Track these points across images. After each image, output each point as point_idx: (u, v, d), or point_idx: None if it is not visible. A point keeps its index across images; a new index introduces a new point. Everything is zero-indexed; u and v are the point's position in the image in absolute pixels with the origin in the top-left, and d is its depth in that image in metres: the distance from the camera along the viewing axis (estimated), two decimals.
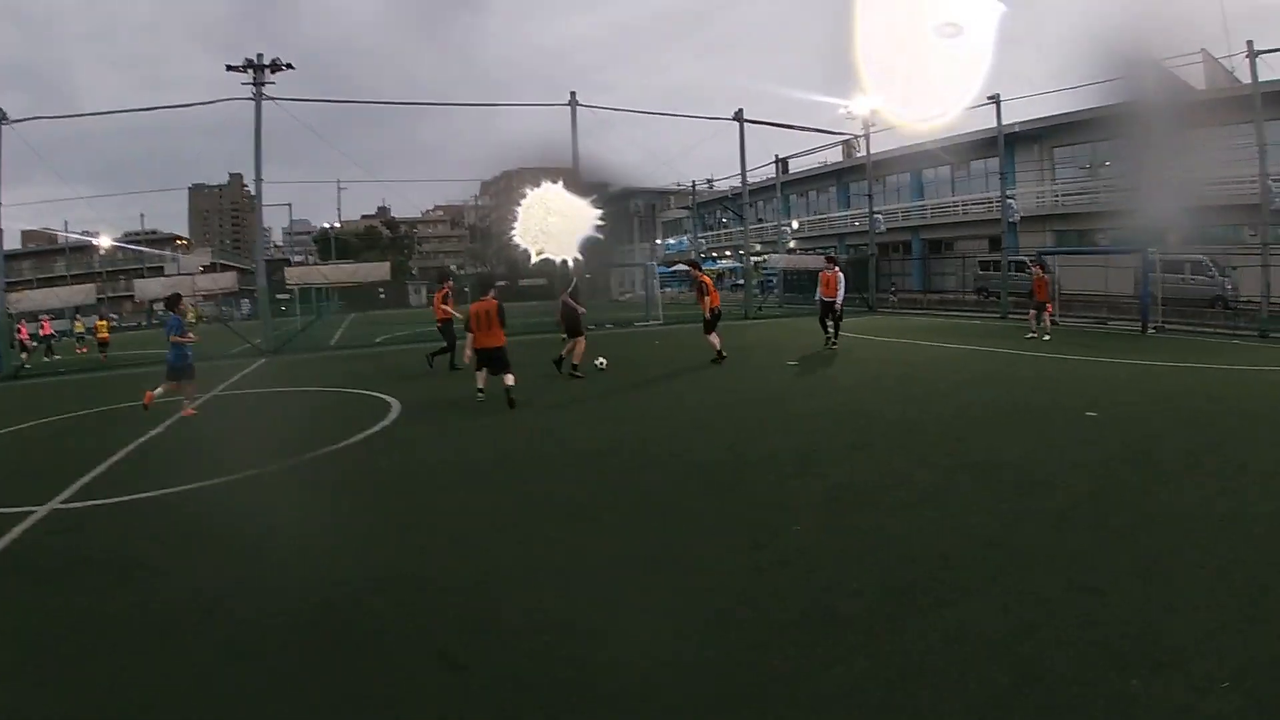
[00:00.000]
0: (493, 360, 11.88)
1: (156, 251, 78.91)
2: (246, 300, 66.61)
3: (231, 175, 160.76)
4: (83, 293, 30.44)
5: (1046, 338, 20.14)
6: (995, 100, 29.63)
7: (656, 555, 5.53)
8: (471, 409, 12.00)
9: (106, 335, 31.34)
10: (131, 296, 46.44)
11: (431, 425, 11.25)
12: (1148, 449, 8.07)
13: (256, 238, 32.73)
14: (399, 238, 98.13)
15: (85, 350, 34.43)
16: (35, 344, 31.67)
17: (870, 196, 37.14)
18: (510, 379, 11.81)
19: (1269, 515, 5.84)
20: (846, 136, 36.89)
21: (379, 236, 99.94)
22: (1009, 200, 31.45)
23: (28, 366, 25.64)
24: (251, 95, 25.67)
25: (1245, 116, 24.67)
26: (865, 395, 12.30)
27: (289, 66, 26.35)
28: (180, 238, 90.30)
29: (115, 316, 54.98)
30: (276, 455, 9.26)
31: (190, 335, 13.09)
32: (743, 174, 34.44)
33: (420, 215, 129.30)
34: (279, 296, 62.87)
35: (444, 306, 17.27)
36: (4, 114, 23.95)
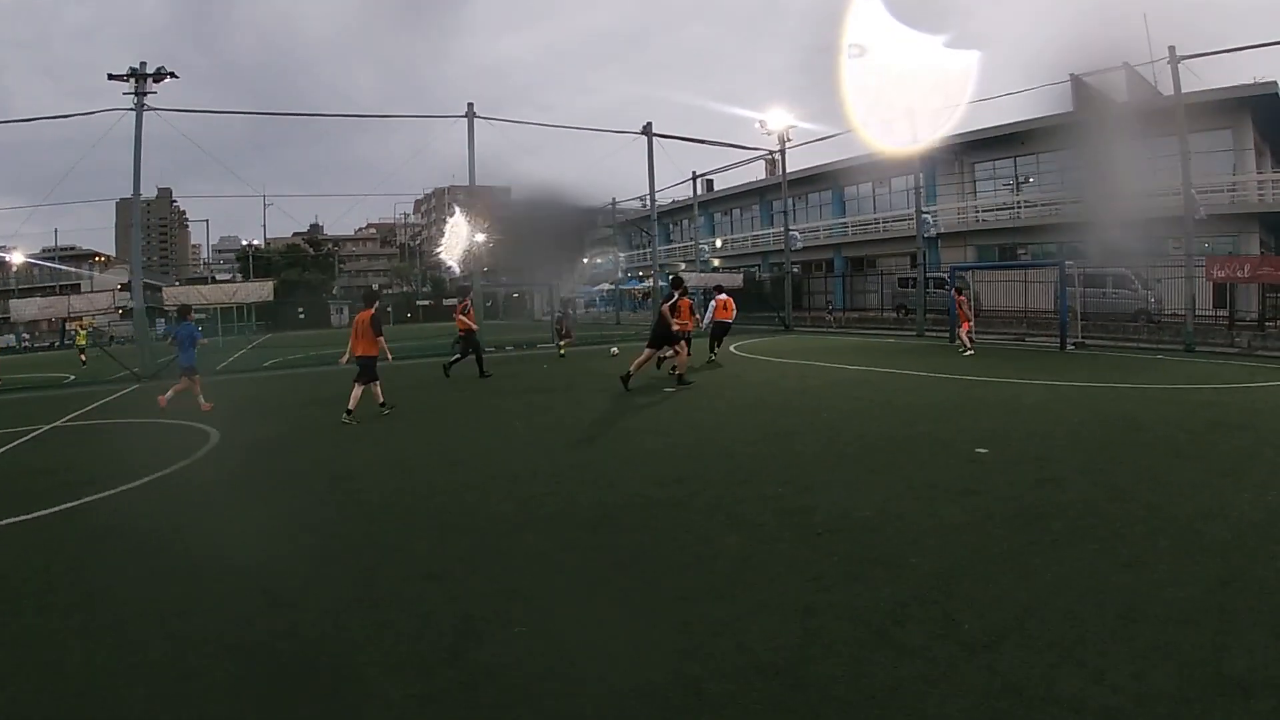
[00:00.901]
0: (360, 368, 12.15)
1: (72, 269, 75.85)
2: (161, 320, 64.21)
3: (160, 190, 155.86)
4: (101, 301, 29.05)
5: (969, 352, 19.63)
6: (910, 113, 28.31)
7: None
8: (288, 447, 10.50)
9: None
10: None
11: (225, 471, 9.04)
12: (1038, 501, 6.32)
13: (134, 256, 29.72)
14: (321, 256, 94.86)
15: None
16: None
17: (786, 213, 35.74)
18: (358, 391, 11.95)
19: (1192, 604, 4.08)
20: (761, 151, 35.09)
21: (302, 254, 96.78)
22: (925, 216, 30.11)
23: None
24: (132, 105, 24.09)
25: (1168, 128, 23.66)
26: (726, 427, 10.42)
27: (173, 75, 25.12)
28: (98, 254, 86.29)
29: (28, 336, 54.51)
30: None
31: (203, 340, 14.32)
32: (650, 189, 32.88)
33: (353, 233, 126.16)
34: (196, 316, 60.40)
35: (463, 318, 17.90)
36: None
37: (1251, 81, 25.56)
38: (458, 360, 18.22)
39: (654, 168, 31.90)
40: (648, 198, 45.05)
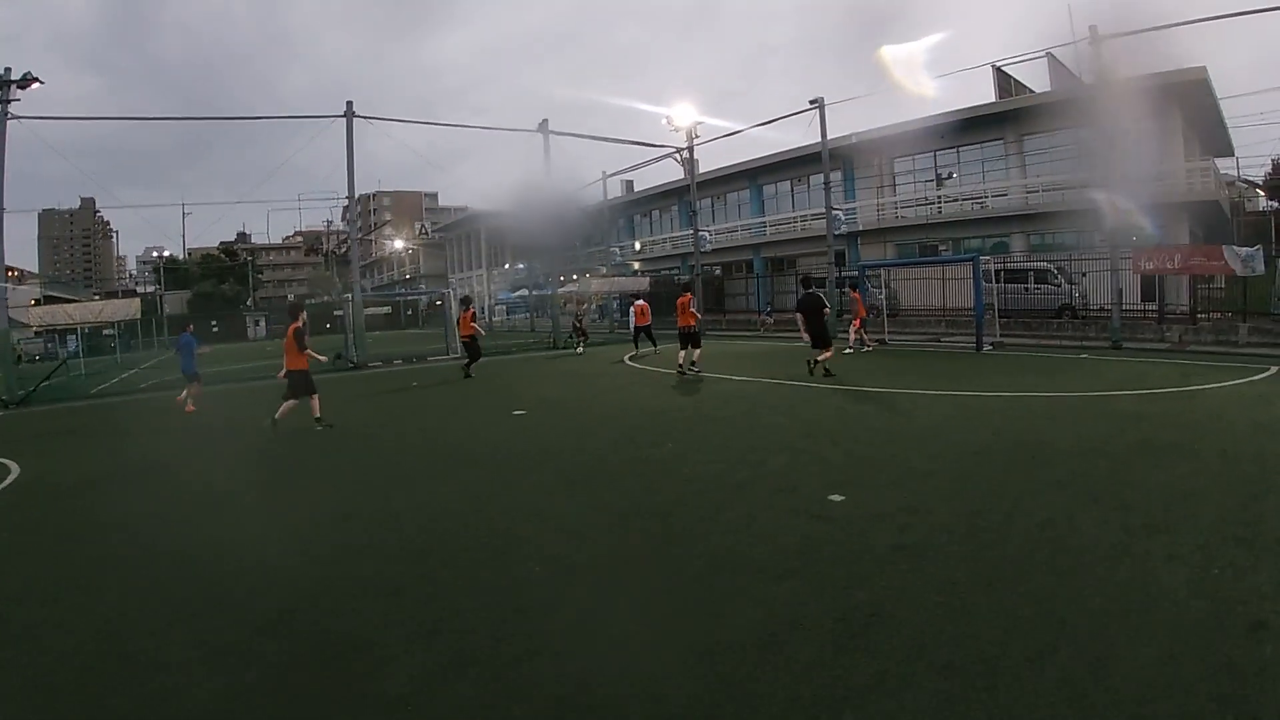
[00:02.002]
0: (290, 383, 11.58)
1: None
2: (71, 336, 60.78)
3: (83, 200, 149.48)
4: None
5: (850, 350, 18.82)
6: (818, 105, 26.52)
7: None
8: (94, 493, 8.34)
9: None
10: None
11: None
12: (880, 595, 4.27)
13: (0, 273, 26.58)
14: (238, 265, 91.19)
15: None
16: None
17: (694, 213, 33.74)
18: (289, 406, 11.47)
19: None
20: (668, 149, 33.00)
21: (220, 265, 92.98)
22: (837, 212, 28.30)
23: None
24: None
25: (1091, 120, 22.11)
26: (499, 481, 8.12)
27: (38, 81, 22.45)
28: (12, 268, 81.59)
29: None
30: None
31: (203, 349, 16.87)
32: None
33: (281, 241, 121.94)
34: (105, 333, 58.00)
35: (472, 324, 19.05)
36: None
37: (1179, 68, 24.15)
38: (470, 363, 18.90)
39: (549, 166, 29.56)
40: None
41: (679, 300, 17.27)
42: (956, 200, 31.39)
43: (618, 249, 52.35)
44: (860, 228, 34.71)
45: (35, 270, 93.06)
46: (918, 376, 13.60)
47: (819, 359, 14.43)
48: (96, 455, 10.99)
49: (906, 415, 9.89)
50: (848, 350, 19.08)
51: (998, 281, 22.09)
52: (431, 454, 9.42)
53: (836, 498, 6.15)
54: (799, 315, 15.06)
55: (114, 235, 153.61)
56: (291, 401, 11.54)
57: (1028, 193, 28.59)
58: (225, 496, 7.67)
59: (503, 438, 10.03)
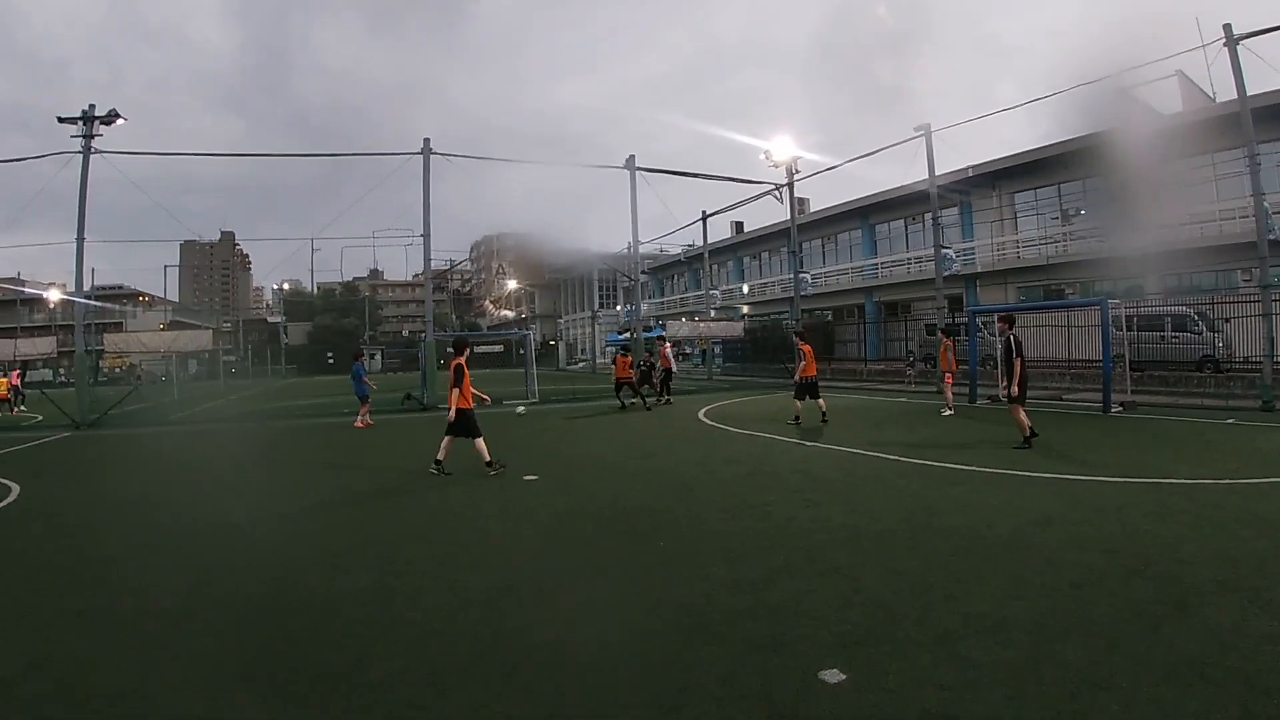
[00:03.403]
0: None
1: (114, 306, 76.06)
2: (193, 360, 64.99)
3: (223, 233, 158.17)
4: (43, 345, 27.98)
5: (948, 412, 16.37)
6: (923, 132, 24.10)
7: None
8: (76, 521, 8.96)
9: (5, 392, 30.75)
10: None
11: None
12: None
13: (77, 300, 26.94)
14: (355, 301, 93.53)
15: None
16: None
17: (794, 253, 31.44)
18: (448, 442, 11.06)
19: None
20: (768, 186, 30.97)
21: (340, 299, 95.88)
22: (947, 251, 25.63)
23: None
24: (81, 149, 22.85)
25: (1229, 141, 19.16)
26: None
27: (121, 117, 23.51)
28: (143, 294, 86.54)
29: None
30: None
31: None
32: (633, 226, 28.90)
33: (411, 279, 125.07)
34: (227, 359, 61.67)
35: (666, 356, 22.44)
36: None
37: None
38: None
39: (635, 203, 28.03)
40: (700, 241, 41.71)
41: (804, 348, 16.30)
42: (1084, 238, 28.21)
43: (718, 292, 50.36)
44: (978, 269, 31.76)
45: (175, 298, 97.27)
46: (1017, 452, 11.06)
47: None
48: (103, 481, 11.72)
49: (991, 513, 7.50)
50: (947, 412, 16.56)
51: (1129, 329, 19.17)
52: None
53: (832, 676, 4.00)
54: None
55: (250, 267, 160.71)
56: (448, 439, 11.01)
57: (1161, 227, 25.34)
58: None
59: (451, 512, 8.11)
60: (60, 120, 22.64)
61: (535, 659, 4.45)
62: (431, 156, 24.72)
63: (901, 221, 39.06)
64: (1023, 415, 11.34)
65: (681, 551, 6.65)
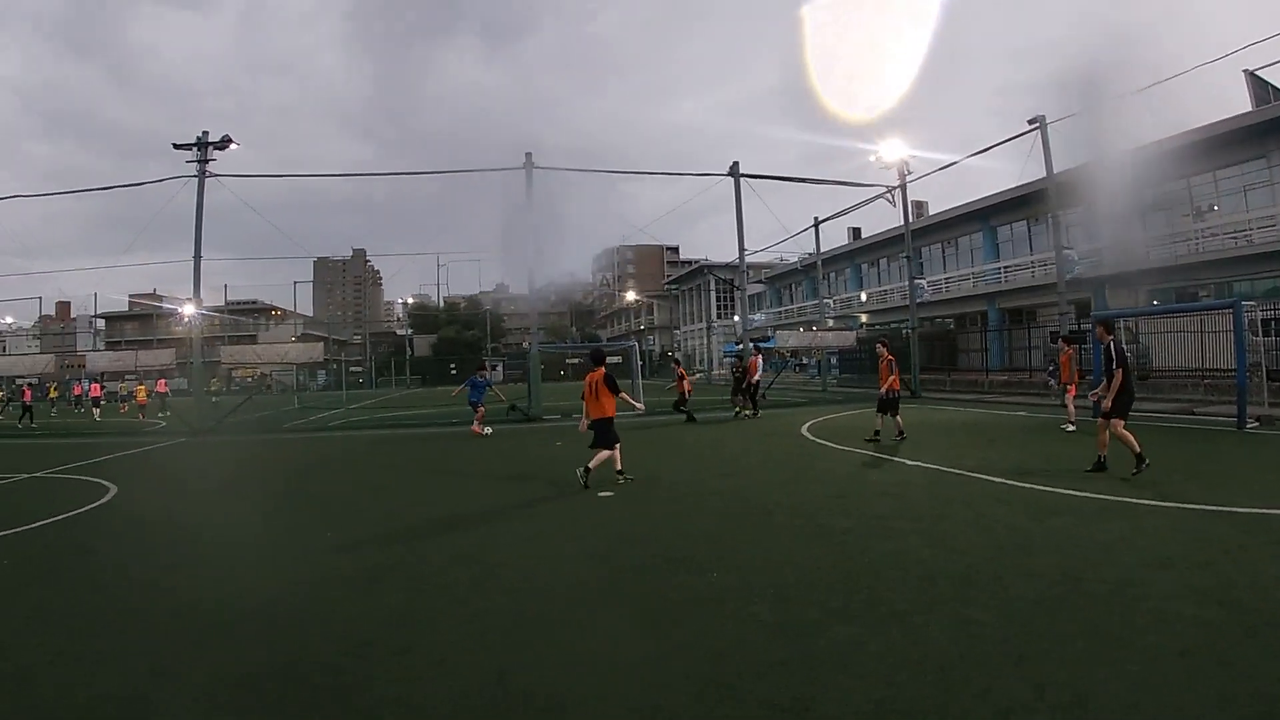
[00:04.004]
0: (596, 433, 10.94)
1: (244, 318, 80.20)
2: (323, 371, 68.61)
3: (355, 250, 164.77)
4: (163, 356, 29.83)
5: (1070, 428, 14.95)
6: (1038, 125, 22.64)
7: None
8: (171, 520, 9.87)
9: (144, 399, 33.93)
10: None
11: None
12: None
13: (197, 314, 28.38)
14: (477, 314, 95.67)
15: (125, 409, 37.12)
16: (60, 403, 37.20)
17: (909, 258, 30.12)
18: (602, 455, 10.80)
19: None
20: (879, 189, 29.74)
21: (462, 313, 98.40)
22: (1069, 252, 23.97)
23: (33, 426, 27.94)
24: (196, 173, 24.34)
25: None
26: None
27: (233, 143, 24.89)
28: (276, 308, 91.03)
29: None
30: None
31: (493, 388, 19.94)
32: (739, 233, 28.01)
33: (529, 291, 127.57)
34: (353, 370, 64.62)
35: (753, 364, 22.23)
36: None
37: None
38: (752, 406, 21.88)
39: (741, 211, 27.27)
40: (811, 251, 40.76)
41: (885, 360, 15.18)
42: (1218, 235, 25.96)
43: (831, 301, 49.00)
44: (1106, 271, 29.72)
45: (310, 312, 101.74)
46: (1149, 471, 9.88)
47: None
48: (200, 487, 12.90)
49: (1096, 551, 6.50)
50: (1069, 428, 15.28)
51: (1267, 334, 17.37)
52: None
53: None
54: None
55: (381, 282, 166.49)
56: (605, 452, 11.00)
57: None
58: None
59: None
60: (176, 146, 23.65)
61: (521, 704, 3.93)
62: (534, 170, 24.68)
63: (1024, 223, 37.00)
64: (1125, 432, 9.87)
65: (732, 585, 6.01)
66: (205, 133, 24.15)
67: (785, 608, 5.38)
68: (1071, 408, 15.55)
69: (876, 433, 14.58)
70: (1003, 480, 10.03)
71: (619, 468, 11.10)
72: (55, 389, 38.58)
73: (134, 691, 4.34)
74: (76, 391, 37.85)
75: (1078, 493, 8.95)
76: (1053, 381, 22.55)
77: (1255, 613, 4.84)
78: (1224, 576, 5.62)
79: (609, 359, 17.37)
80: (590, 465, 10.79)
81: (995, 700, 3.82)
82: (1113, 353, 10.12)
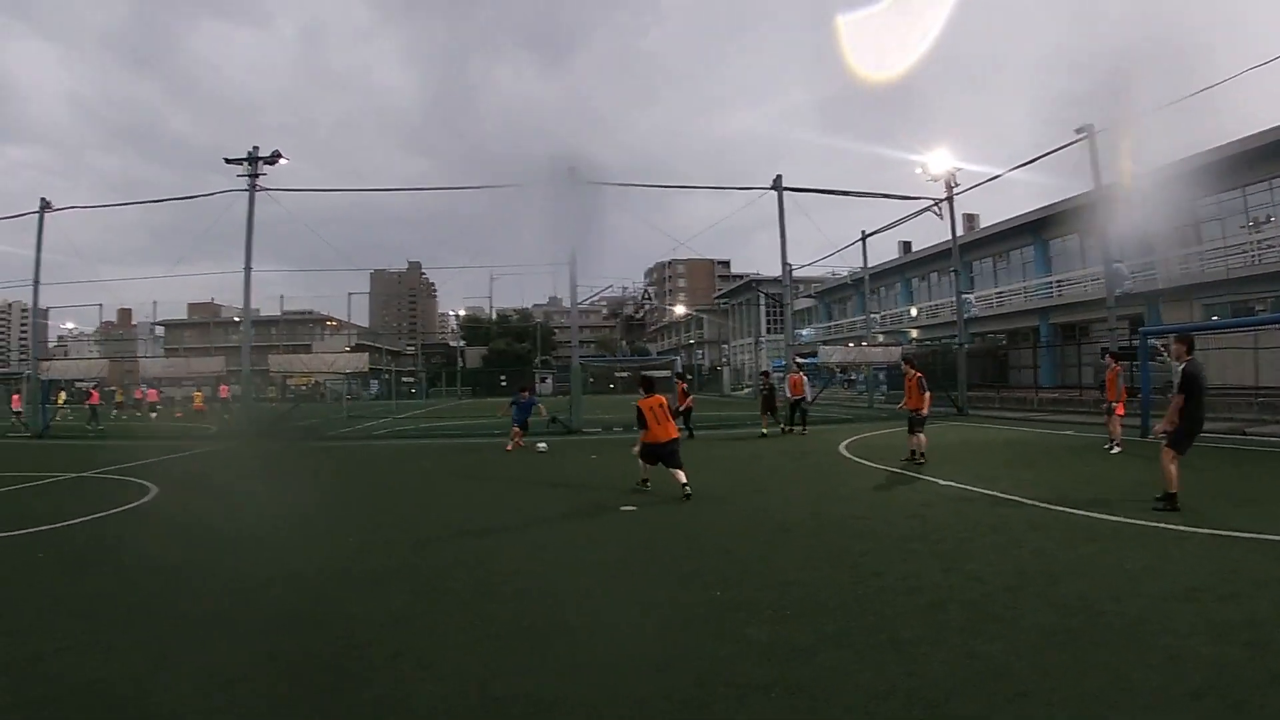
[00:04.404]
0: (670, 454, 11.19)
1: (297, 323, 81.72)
2: (375, 381, 69.94)
3: (410, 263, 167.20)
4: (214, 364, 31.70)
5: (1115, 449, 14.46)
6: (1085, 134, 22.06)
7: None
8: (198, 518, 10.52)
9: (201, 405, 36.07)
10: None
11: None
12: None
13: (245, 323, 28.87)
14: (529, 327, 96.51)
15: (180, 415, 38.68)
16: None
17: (956, 272, 29.63)
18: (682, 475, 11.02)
19: None
20: (926, 201, 29.24)
21: (513, 325, 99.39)
22: (1118, 266, 23.29)
23: (100, 428, 28.92)
24: (246, 187, 25.02)
25: None
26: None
27: (281, 157, 25.53)
28: (331, 319, 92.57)
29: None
30: None
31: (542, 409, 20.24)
32: (782, 246, 27.77)
33: (586, 305, 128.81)
34: (405, 380, 65.67)
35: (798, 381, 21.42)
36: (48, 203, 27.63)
37: None
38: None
39: (784, 223, 27.00)
40: (855, 266, 40.25)
41: (911, 379, 14.60)
42: (1276, 246, 25.04)
43: (878, 316, 48.31)
44: (1159, 285, 28.83)
45: (365, 323, 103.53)
46: (1190, 493, 9.42)
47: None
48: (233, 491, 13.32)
49: (1123, 581, 6.13)
50: (1114, 449, 14.75)
51: None
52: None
53: None
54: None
55: (435, 294, 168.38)
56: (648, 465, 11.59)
57: None
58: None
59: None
60: (227, 161, 24.08)
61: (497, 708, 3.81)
62: (580, 185, 24.78)
63: (1076, 236, 36.13)
64: (1171, 465, 8.74)
65: (733, 603, 5.84)
66: (255, 148, 24.67)
67: (780, 629, 5.18)
68: (1117, 428, 15.01)
69: (913, 453, 14.05)
70: (1035, 503, 9.66)
71: (645, 476, 11.68)
72: (120, 393, 39.80)
73: (131, 678, 4.55)
74: (137, 396, 39.41)
75: (1112, 517, 8.56)
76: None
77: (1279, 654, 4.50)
78: (1251, 612, 5.25)
79: (656, 373, 16.90)
80: (685, 482, 11.04)
81: None
82: (1185, 374, 8.77)
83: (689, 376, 23.09)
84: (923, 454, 13.86)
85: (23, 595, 6.48)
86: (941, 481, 11.83)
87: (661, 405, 11.46)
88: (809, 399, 22.03)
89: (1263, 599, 5.51)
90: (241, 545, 8.45)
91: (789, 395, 22.02)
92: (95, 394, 32.99)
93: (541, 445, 18.58)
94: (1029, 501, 9.78)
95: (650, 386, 11.86)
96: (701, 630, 5.23)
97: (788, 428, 21.63)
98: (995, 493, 10.57)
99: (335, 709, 4.11)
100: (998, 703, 3.98)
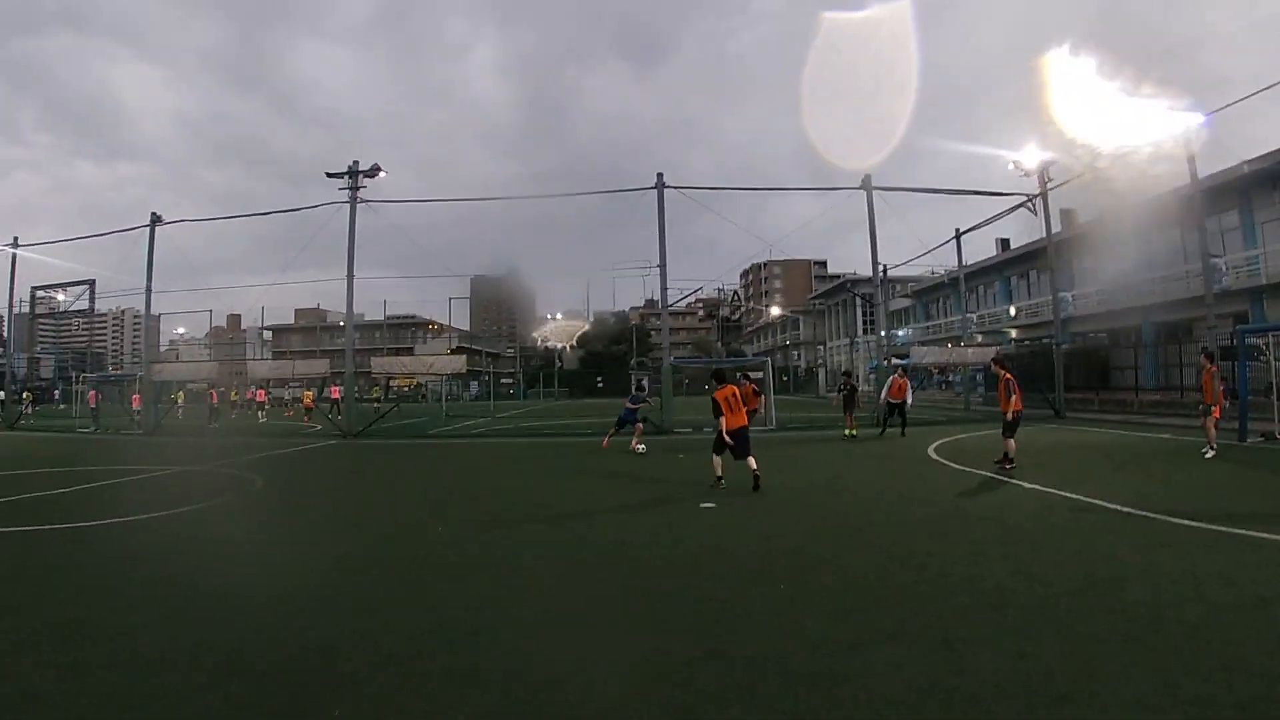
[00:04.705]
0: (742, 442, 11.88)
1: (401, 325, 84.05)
2: (475, 382, 71.64)
3: (509, 268, 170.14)
4: (318, 366, 33.56)
5: (1209, 453, 13.93)
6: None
7: None
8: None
9: (309, 403, 36.88)
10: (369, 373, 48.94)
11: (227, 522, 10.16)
12: None
13: (349, 327, 30.23)
14: (625, 329, 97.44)
15: (290, 414, 41.37)
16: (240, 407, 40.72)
17: (1052, 271, 28.80)
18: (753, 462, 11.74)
19: None
20: (1020, 198, 28.55)
21: (610, 328, 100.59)
22: (1217, 261, 22.40)
23: (214, 426, 31.59)
24: (347, 199, 26.28)
25: None
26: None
27: (380, 170, 26.72)
28: (433, 322, 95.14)
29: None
30: None
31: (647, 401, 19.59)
32: (873, 246, 27.42)
33: (685, 306, 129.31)
34: (503, 381, 67.27)
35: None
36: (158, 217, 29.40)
37: None
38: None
39: (874, 223, 26.75)
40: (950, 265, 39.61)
41: (1004, 380, 14.03)
42: None
43: (973, 316, 47.20)
44: (1264, 280, 27.52)
45: (466, 327, 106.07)
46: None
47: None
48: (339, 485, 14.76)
49: (1191, 586, 6.05)
50: (1209, 453, 14.30)
51: None
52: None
53: None
54: None
55: (534, 299, 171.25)
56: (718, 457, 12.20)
57: None
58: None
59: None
60: (329, 175, 25.21)
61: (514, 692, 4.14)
62: (665, 191, 25.07)
63: (1178, 231, 34.68)
64: None
65: (793, 598, 6.06)
66: (355, 162, 25.91)
67: (834, 625, 5.35)
68: (1212, 431, 14.54)
69: (1006, 456, 13.83)
70: (1116, 507, 9.52)
71: (719, 474, 12.12)
72: (235, 393, 42.02)
73: (190, 646, 5.09)
74: (249, 396, 41.84)
75: (1190, 522, 8.39)
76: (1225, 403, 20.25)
77: None
78: None
79: (752, 374, 17.42)
80: (755, 469, 11.80)
81: None
82: None
83: (753, 376, 22.62)
84: (1011, 458, 13.46)
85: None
86: (1026, 485, 11.72)
87: (735, 394, 12.03)
88: (909, 402, 21.43)
89: None
90: (333, 530, 9.41)
91: (889, 398, 21.57)
92: (214, 394, 35.60)
93: (641, 447, 18.64)
94: (1110, 505, 9.65)
95: (722, 378, 12.51)
96: (759, 623, 5.46)
97: (884, 430, 21.43)
98: (1077, 496, 10.44)
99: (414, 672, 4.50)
100: (1037, 704, 4.07)
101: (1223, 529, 8.05)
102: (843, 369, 33.57)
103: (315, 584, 6.73)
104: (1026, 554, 7.32)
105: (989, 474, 12.98)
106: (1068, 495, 10.57)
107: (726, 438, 11.80)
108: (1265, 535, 7.68)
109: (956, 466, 14.21)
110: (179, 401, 38.16)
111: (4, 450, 20.97)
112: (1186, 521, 8.48)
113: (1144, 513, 9.09)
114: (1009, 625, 5.31)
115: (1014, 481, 12.03)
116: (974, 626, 5.29)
